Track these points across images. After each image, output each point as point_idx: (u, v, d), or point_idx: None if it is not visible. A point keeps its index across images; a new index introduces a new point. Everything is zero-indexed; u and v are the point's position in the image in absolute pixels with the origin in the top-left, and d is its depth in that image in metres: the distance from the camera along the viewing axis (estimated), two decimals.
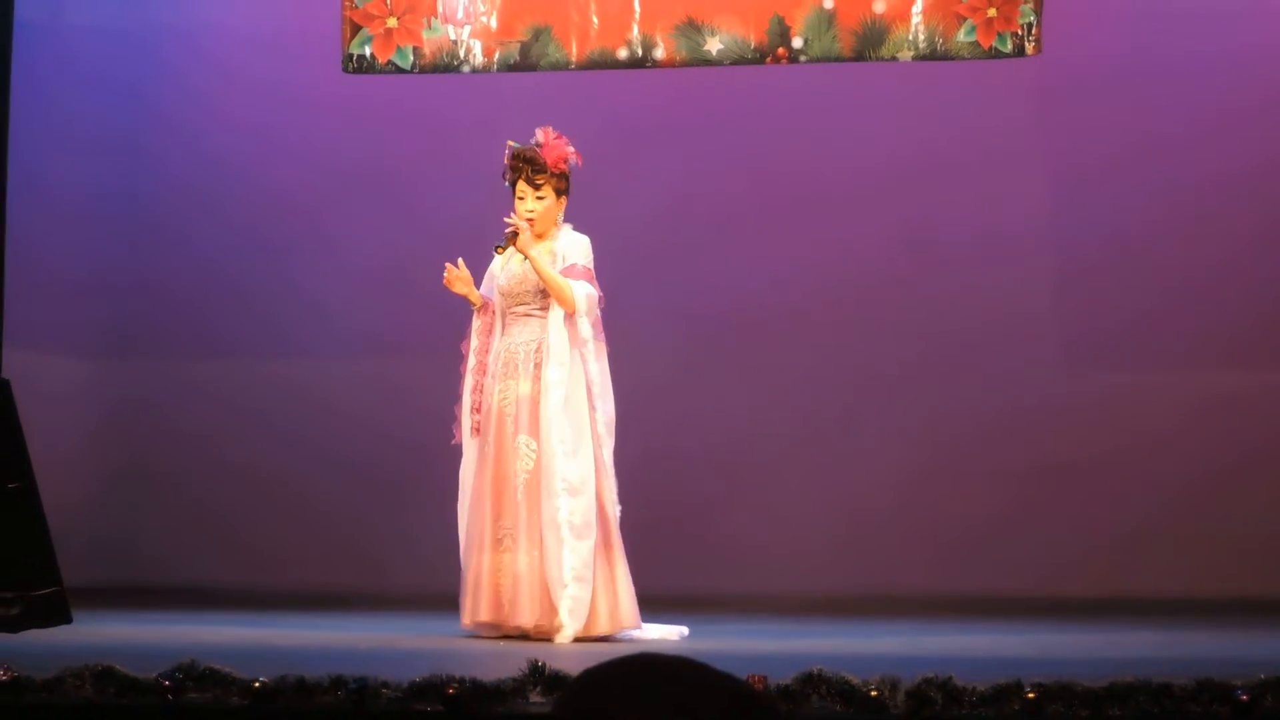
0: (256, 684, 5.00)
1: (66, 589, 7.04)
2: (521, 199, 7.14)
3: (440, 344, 8.61)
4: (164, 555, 9.66)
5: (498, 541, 7.02)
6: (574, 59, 8.56)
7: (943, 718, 4.83)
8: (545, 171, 7.13)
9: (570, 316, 7.09)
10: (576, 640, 6.87)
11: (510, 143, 7.22)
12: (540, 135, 7.19)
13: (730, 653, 6.27)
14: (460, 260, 7.26)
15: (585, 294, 7.09)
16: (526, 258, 7.08)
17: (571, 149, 7.17)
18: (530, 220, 7.09)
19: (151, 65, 9.88)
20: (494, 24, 8.58)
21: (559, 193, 7.17)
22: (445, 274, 7.23)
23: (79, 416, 9.82)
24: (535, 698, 4.97)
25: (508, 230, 7.10)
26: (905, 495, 9.42)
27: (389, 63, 8.63)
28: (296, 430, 9.77)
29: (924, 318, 9.51)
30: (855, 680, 4.88)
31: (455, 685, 4.93)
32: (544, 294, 7.12)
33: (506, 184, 7.20)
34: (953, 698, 4.85)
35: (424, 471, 9.15)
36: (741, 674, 2.61)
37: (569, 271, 7.09)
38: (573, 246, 7.15)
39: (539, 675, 4.98)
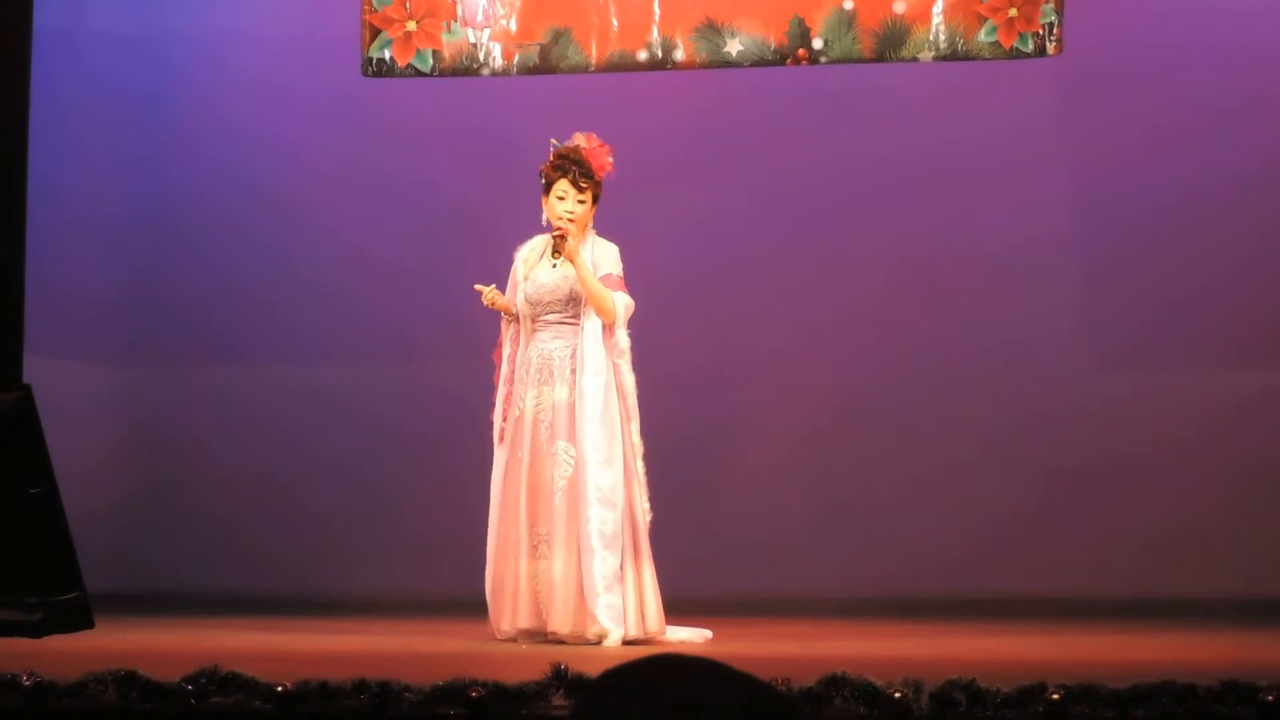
0: (279, 688, 4.99)
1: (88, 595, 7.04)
2: (561, 199, 7.11)
3: (460, 350, 8.61)
4: (184, 562, 9.67)
5: (533, 548, 7.02)
6: (594, 61, 8.55)
7: None
8: (592, 176, 7.12)
9: (609, 326, 7.09)
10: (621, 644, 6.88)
11: (554, 141, 7.20)
12: (582, 139, 7.17)
13: (753, 655, 6.25)
14: (491, 286, 7.20)
15: (625, 304, 7.09)
16: (573, 264, 7.06)
17: (610, 159, 7.16)
18: (570, 221, 7.08)
19: (169, 72, 9.89)
20: (513, 27, 8.58)
21: (595, 199, 7.16)
22: (485, 298, 7.17)
23: (99, 424, 9.82)
24: (558, 701, 4.96)
25: (555, 234, 7.07)
26: (929, 498, 9.40)
27: (408, 66, 8.63)
28: (316, 438, 9.76)
29: (949, 319, 9.48)
30: (879, 683, 4.86)
31: (478, 689, 4.91)
32: (574, 301, 7.10)
33: (543, 182, 7.17)
34: (977, 700, 4.83)
35: (445, 477, 9.16)
36: (764, 676, 2.60)
37: (604, 281, 7.08)
38: (604, 256, 7.13)
39: (562, 678, 4.97)
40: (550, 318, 7.15)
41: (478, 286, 7.15)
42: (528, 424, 7.09)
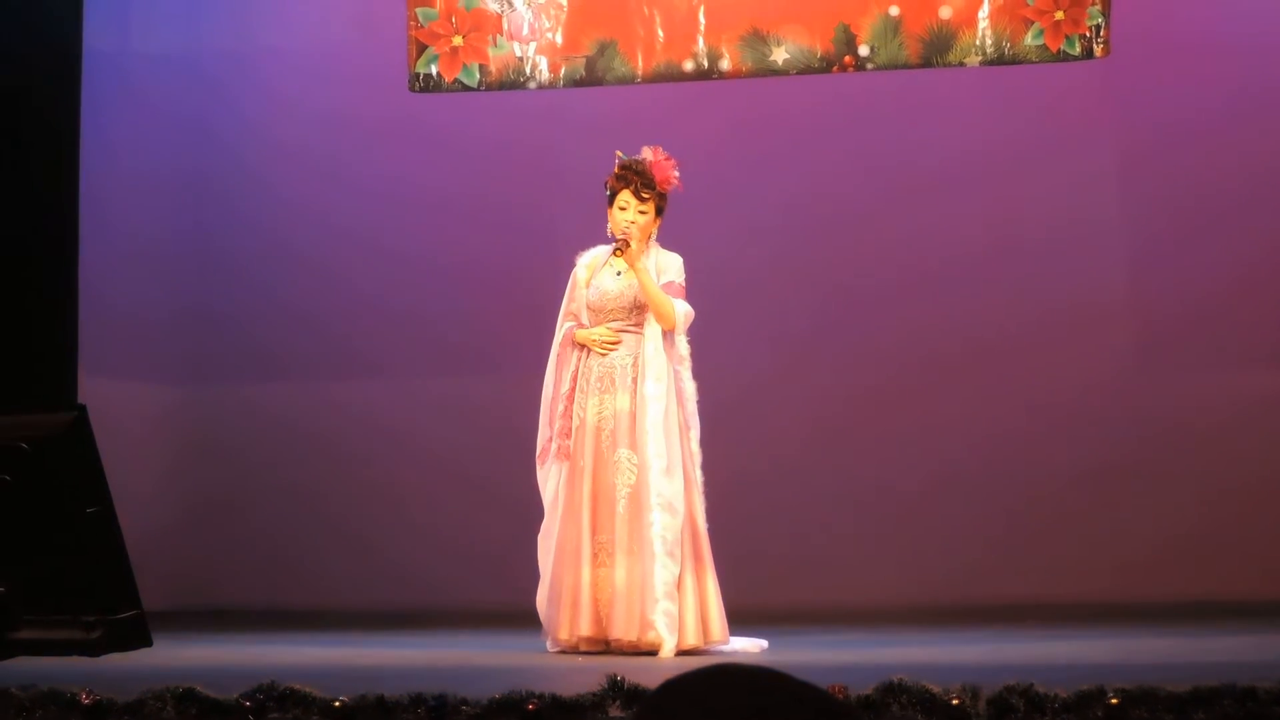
0: (337, 703, 5.00)
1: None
2: (623, 209, 7.14)
3: (508, 365, 8.63)
4: (241, 578, 9.70)
5: (595, 556, 7.04)
6: (640, 73, 8.56)
7: None
8: (653, 187, 7.14)
9: (669, 333, 7.12)
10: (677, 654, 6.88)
11: (619, 153, 7.22)
12: (649, 152, 7.20)
13: (811, 663, 6.24)
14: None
15: (685, 312, 7.14)
16: (633, 270, 7.08)
17: (677, 173, 7.18)
18: (630, 232, 7.10)
19: (217, 93, 9.93)
20: (559, 40, 8.60)
21: (658, 211, 7.18)
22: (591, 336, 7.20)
23: (154, 443, 9.86)
24: (614, 711, 4.95)
25: (619, 239, 7.10)
26: (984, 502, 9.37)
27: (455, 81, 8.66)
28: (367, 455, 9.78)
29: (999, 323, 9.45)
30: (936, 689, 4.85)
31: (535, 700, 4.92)
32: (638, 309, 7.13)
33: (607, 193, 7.20)
34: (1035, 705, 4.81)
35: (496, 491, 9.16)
36: (822, 684, 2.59)
37: (667, 289, 7.12)
38: (669, 265, 7.18)
39: (618, 689, 4.97)
40: (613, 325, 7.18)
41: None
42: (589, 433, 7.11)
